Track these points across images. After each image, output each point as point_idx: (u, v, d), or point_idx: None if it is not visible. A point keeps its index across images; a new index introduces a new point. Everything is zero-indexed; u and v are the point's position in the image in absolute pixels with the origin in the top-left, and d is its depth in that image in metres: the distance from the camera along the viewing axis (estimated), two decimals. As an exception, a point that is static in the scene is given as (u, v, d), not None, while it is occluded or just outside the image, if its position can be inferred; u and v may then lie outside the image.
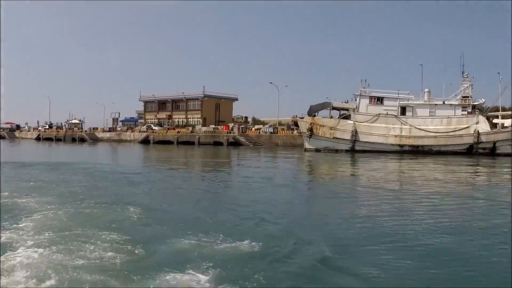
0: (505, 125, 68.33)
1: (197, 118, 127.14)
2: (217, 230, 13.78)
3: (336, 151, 68.42)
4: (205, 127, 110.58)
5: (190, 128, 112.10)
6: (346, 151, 68.14)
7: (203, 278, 9.73)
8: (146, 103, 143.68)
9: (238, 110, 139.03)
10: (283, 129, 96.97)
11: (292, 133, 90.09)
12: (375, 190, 25.65)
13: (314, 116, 73.07)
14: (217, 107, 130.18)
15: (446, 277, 10.08)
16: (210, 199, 21.98)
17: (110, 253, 11.38)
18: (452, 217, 17.23)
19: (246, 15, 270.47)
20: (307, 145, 72.21)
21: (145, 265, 10.58)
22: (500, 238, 13.64)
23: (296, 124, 78.10)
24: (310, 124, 71.65)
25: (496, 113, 72.81)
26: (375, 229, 14.88)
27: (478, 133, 64.73)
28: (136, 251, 11.70)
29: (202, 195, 23.39)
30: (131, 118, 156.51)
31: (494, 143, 64.67)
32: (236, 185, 28.92)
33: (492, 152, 63.87)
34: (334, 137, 70.12)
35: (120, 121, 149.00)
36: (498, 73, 72.11)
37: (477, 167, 45.38)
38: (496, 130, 66.56)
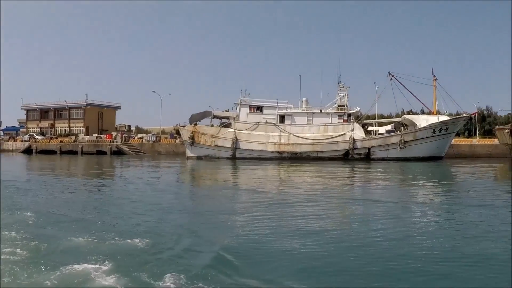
0: (379, 132, 71.90)
1: (80, 126, 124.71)
2: (105, 229, 16.33)
3: (218, 158, 69.24)
4: (88, 136, 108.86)
5: (73, 137, 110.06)
6: (227, 158, 69.08)
7: (101, 268, 11.74)
8: (28, 111, 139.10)
9: (121, 118, 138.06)
10: (166, 138, 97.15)
11: (175, 141, 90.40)
12: (246, 192, 27.29)
13: (196, 124, 73.64)
14: (100, 116, 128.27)
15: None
16: (95, 204, 23.77)
17: (18, 250, 13.27)
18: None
19: (127, 23, 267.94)
20: (189, 153, 72.64)
21: (50, 258, 12.54)
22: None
23: (178, 132, 78.56)
24: (192, 133, 72.15)
25: (371, 120, 76.43)
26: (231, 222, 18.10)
27: (354, 139, 67.64)
28: (41, 247, 13.82)
29: (87, 200, 25.12)
30: (12, 127, 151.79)
31: (369, 148, 67.84)
32: (116, 192, 29.90)
33: (367, 157, 67.08)
34: (215, 145, 70.93)
35: (1, 130, 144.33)
36: (374, 82, 75.94)
37: (349, 171, 47.61)
38: (370, 136, 69.93)
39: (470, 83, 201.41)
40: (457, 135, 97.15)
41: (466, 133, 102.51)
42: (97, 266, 11.93)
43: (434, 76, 73.82)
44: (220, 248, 13.64)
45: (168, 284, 10.68)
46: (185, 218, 19.50)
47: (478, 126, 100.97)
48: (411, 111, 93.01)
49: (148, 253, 13.40)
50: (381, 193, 29.49)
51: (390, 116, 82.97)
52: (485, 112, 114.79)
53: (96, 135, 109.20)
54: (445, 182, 37.47)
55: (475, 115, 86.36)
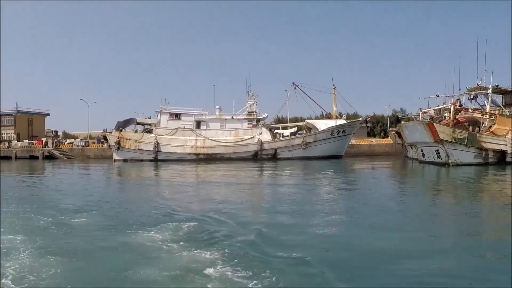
0: (284, 134, 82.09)
1: (11, 133, 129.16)
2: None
3: (141, 161, 77.10)
4: (20, 142, 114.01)
5: (7, 144, 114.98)
6: (150, 160, 77.22)
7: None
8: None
9: (50, 124, 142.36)
10: (93, 143, 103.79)
11: (103, 146, 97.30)
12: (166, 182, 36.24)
13: (121, 130, 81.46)
14: (30, 122, 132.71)
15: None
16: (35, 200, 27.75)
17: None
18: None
19: (53, 29, 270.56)
20: (116, 157, 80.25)
21: None
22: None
23: (105, 138, 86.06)
24: (118, 138, 79.88)
25: (277, 125, 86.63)
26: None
27: (261, 142, 77.30)
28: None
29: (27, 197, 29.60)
30: None
31: (275, 149, 77.75)
32: (53, 189, 35.73)
33: (274, 157, 76.85)
34: (139, 149, 78.99)
35: None
36: (286, 90, 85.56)
37: (258, 167, 57.16)
38: (276, 139, 79.87)
39: (388, 87, 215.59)
40: (374, 135, 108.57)
41: (382, 134, 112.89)
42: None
43: (334, 85, 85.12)
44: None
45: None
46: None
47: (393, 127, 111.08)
48: (322, 115, 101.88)
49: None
50: (285, 179, 40.58)
51: (300, 120, 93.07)
52: (400, 114, 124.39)
53: (28, 141, 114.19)
54: (339, 173, 48.39)
55: (370, 118, 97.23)
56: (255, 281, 10.65)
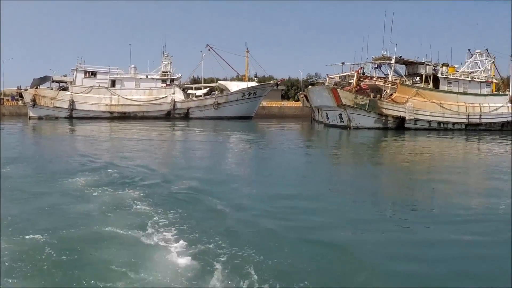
0: (197, 94, 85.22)
1: None
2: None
3: (56, 118, 78.25)
4: None
5: None
6: (65, 118, 78.60)
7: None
8: None
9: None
10: (8, 100, 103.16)
11: (17, 103, 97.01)
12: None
13: (37, 88, 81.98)
14: None
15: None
16: None
17: None
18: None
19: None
20: (31, 114, 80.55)
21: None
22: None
23: (21, 95, 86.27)
24: (33, 95, 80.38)
25: (190, 85, 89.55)
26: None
27: (174, 101, 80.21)
28: None
29: None
30: None
31: (188, 109, 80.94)
32: None
33: (186, 116, 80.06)
34: (54, 106, 79.93)
35: None
36: (201, 51, 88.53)
37: (170, 126, 60.40)
38: (189, 99, 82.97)
39: (305, 52, 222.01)
40: (288, 98, 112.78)
41: (296, 97, 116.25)
42: None
43: (247, 49, 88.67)
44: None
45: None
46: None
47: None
48: (238, 76, 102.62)
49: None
50: (192, 135, 44.70)
51: (216, 81, 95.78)
52: (314, 79, 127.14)
53: None
54: (247, 132, 52.91)
55: (281, 82, 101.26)
56: (161, 210, 14.41)
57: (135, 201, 15.57)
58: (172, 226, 12.75)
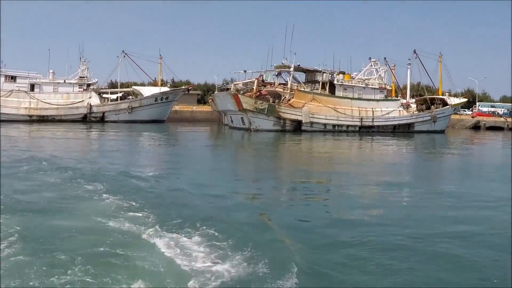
0: (112, 98, 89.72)
1: None
2: None
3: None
4: None
5: None
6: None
7: None
8: None
9: None
10: None
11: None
12: None
13: None
14: None
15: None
16: None
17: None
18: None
19: None
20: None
21: None
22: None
23: None
24: None
25: (106, 89, 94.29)
26: None
27: (91, 105, 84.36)
28: None
29: None
30: None
31: (103, 113, 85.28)
32: None
33: (102, 120, 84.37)
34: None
35: None
36: (117, 56, 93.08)
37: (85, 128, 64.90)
38: (104, 103, 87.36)
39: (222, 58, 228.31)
40: (204, 103, 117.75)
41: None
42: None
43: (160, 55, 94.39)
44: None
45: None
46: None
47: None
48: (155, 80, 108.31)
49: None
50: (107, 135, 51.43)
51: (133, 85, 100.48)
52: (230, 85, 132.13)
53: None
54: (157, 133, 58.33)
55: (192, 87, 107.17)
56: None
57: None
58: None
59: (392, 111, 77.26)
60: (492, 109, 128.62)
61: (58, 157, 29.08)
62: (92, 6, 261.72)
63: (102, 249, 11.18)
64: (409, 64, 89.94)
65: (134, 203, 16.01)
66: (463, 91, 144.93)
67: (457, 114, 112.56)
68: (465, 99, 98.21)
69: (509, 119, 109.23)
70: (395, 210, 17.75)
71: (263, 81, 72.91)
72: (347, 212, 17.21)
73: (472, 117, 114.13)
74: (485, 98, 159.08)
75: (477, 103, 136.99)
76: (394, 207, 18.43)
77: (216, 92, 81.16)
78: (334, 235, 13.71)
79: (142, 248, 11.35)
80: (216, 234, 12.64)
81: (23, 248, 11.01)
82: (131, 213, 14.67)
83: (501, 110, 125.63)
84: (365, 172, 28.62)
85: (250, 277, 9.92)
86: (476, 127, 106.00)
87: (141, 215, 14.50)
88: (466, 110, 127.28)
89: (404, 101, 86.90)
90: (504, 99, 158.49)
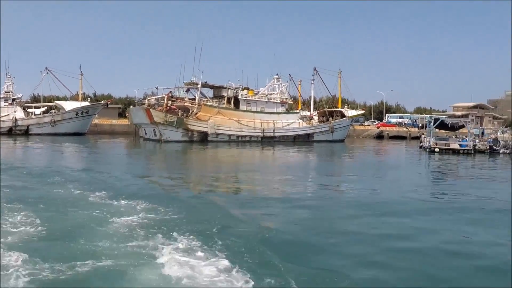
0: (36, 113, 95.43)
1: None
2: None
3: None
4: None
5: None
6: None
7: None
8: None
9: None
10: None
11: None
12: None
13: None
14: None
15: None
16: None
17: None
18: None
19: None
20: None
21: None
22: None
23: None
24: None
25: (30, 104, 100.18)
26: None
27: (15, 119, 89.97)
28: None
29: None
30: None
31: (28, 126, 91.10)
32: None
33: (26, 133, 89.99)
34: None
35: None
36: (41, 72, 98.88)
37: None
38: (29, 117, 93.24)
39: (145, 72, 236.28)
40: (125, 116, 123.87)
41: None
42: None
43: (81, 72, 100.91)
44: None
45: None
46: None
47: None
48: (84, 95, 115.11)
49: None
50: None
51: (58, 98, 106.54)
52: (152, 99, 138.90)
53: None
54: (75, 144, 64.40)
55: (111, 101, 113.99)
56: None
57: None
58: None
59: (292, 123, 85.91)
60: (400, 120, 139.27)
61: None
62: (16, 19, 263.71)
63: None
64: (313, 80, 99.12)
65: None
66: (377, 103, 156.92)
67: (362, 125, 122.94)
68: (362, 111, 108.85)
69: (411, 129, 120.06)
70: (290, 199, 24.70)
71: (172, 96, 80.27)
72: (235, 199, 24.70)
73: (376, 127, 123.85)
74: (398, 110, 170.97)
75: (386, 115, 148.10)
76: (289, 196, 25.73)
77: (131, 107, 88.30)
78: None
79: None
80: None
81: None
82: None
83: (407, 121, 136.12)
84: (257, 169, 39.28)
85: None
86: (379, 136, 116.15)
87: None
88: (376, 121, 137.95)
89: (309, 113, 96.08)
90: (417, 111, 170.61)
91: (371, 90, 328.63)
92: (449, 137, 75.44)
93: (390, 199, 24.64)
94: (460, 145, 66.90)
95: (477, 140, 73.38)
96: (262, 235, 15.63)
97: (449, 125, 76.52)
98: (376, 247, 15.28)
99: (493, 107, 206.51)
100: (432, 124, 73.76)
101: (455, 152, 65.15)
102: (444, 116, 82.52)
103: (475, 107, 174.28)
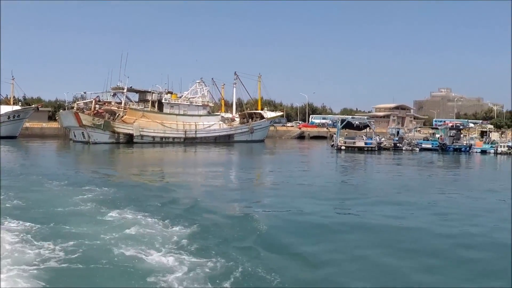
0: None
1: None
2: None
3: None
4: None
5: None
6: None
7: None
8: None
9: None
10: None
11: None
12: None
13: None
14: None
15: None
16: None
17: None
18: None
19: None
20: None
21: None
22: None
23: None
24: None
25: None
26: None
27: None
28: None
29: None
30: None
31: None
32: None
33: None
34: None
35: None
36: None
37: None
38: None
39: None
40: (55, 119, 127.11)
41: None
42: None
43: (13, 76, 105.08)
44: None
45: None
46: None
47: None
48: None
49: None
50: None
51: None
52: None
53: None
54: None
55: (41, 105, 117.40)
56: None
57: None
58: None
59: (213, 125, 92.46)
60: (323, 121, 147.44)
61: None
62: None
63: None
64: (234, 83, 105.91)
65: None
66: (303, 105, 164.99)
67: (284, 126, 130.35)
68: (281, 113, 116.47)
69: (332, 129, 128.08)
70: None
71: (99, 100, 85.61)
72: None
73: (298, 128, 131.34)
74: (324, 111, 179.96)
75: (311, 116, 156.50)
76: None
77: (61, 111, 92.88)
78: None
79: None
80: None
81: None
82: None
83: (329, 122, 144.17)
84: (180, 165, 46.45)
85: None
86: (301, 137, 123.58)
87: None
88: (299, 122, 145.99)
89: (231, 115, 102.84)
90: (343, 112, 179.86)
91: (297, 92, 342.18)
92: (358, 136, 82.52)
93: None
94: (366, 143, 74.50)
95: (383, 139, 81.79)
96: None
97: (355, 125, 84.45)
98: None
99: (416, 108, 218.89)
100: (339, 124, 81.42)
101: (360, 149, 72.95)
102: (350, 117, 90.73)
103: (396, 108, 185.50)
